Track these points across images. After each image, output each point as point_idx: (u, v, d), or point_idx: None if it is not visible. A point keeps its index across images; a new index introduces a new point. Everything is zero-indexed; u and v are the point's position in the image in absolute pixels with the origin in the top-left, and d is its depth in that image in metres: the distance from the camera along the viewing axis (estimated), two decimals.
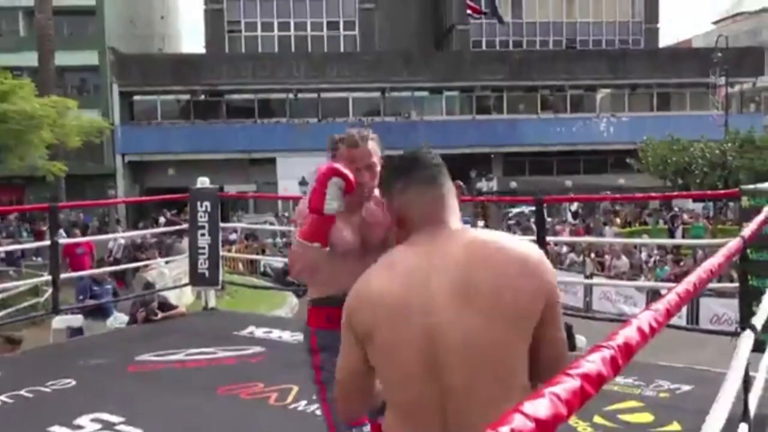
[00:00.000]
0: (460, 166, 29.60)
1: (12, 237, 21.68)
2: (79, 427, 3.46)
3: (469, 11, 30.60)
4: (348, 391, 1.49)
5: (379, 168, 2.10)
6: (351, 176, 2.17)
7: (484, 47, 32.29)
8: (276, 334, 5.37)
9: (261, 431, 3.67)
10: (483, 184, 26.73)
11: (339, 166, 2.18)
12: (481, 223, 19.36)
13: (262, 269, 15.87)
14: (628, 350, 0.90)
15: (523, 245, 1.37)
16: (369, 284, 1.39)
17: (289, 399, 3.89)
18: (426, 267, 1.33)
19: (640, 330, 0.98)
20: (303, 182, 24.32)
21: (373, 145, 2.27)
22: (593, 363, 0.80)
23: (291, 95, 29.42)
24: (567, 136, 29.71)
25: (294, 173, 25.36)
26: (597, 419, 3.41)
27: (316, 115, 29.45)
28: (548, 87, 30.83)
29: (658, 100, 31.45)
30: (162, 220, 19.83)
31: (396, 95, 30.33)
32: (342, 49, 31.37)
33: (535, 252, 1.35)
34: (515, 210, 23.93)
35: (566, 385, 0.71)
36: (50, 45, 18.93)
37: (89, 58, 27.74)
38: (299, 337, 5.33)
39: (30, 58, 21.10)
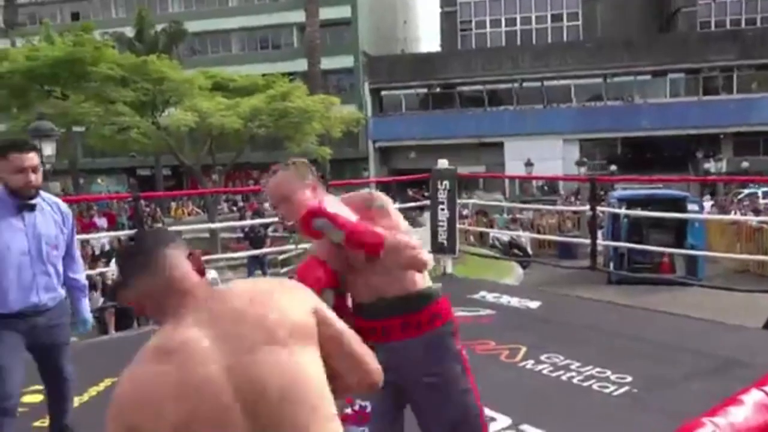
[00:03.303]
0: (685, 147, 26.91)
1: None
2: None
3: None
4: None
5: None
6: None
7: (713, 27, 28.68)
8: (505, 299, 5.34)
9: (494, 383, 3.71)
10: (711, 165, 23.93)
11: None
12: (708, 204, 17.45)
13: (491, 242, 15.84)
14: None
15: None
16: None
17: (519, 357, 3.87)
18: None
19: None
20: (528, 163, 23.88)
21: (283, 176, 1.81)
22: None
23: (516, 84, 28.88)
24: None
25: (520, 155, 25.00)
26: None
27: (540, 102, 28.65)
28: None
29: None
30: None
31: (618, 80, 28.18)
32: (565, 39, 30.01)
33: None
34: (746, 191, 21.12)
35: None
36: (317, 53, 20.53)
37: (346, 61, 29.73)
38: (527, 302, 5.29)
39: (301, 65, 23.15)
